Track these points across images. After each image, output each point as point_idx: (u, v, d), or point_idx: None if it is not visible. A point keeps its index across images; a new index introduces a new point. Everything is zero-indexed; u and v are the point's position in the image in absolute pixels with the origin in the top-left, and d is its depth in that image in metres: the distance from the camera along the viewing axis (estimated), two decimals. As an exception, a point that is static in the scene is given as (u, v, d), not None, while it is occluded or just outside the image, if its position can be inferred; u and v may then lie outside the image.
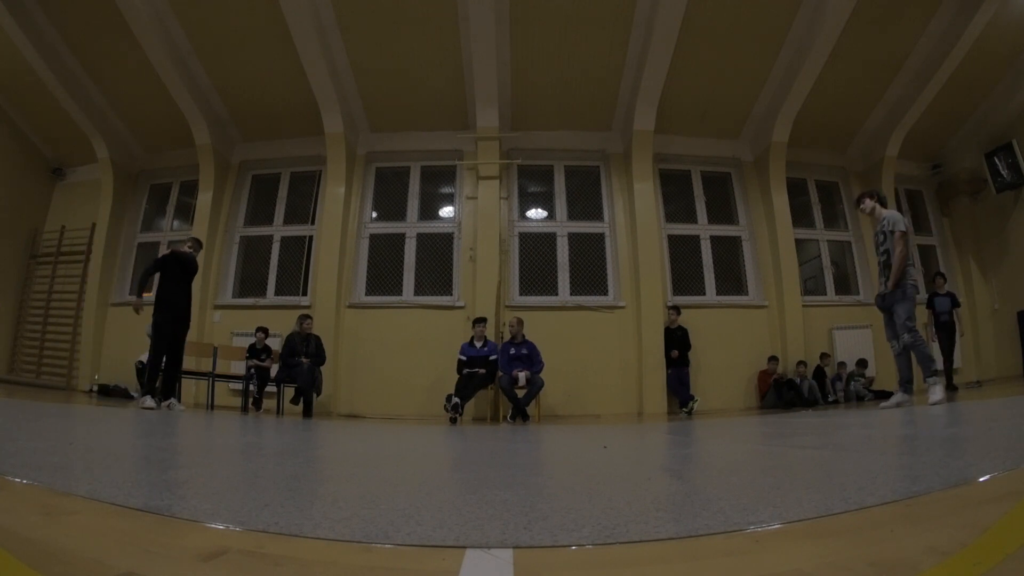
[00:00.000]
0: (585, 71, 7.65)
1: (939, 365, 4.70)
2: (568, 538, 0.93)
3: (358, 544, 0.91)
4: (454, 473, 2.08)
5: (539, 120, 8.31)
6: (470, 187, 8.22)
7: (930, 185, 9.49)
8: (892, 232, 4.42)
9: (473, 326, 6.67)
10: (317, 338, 6.83)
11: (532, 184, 8.70)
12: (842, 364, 7.70)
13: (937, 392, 4.10)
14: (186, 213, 8.75)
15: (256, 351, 6.91)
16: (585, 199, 8.47)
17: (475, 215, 8.00)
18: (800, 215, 8.48)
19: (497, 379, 6.36)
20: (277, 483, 1.60)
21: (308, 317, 6.89)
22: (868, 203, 4.74)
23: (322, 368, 6.73)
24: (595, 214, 8.37)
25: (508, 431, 4.59)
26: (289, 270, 8.26)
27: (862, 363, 7.73)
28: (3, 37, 7.08)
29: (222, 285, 8.22)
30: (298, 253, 8.31)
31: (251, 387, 6.74)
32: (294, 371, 6.46)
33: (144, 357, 6.58)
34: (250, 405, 6.71)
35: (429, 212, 8.50)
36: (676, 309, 7.59)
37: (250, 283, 8.39)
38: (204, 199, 8.20)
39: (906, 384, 4.47)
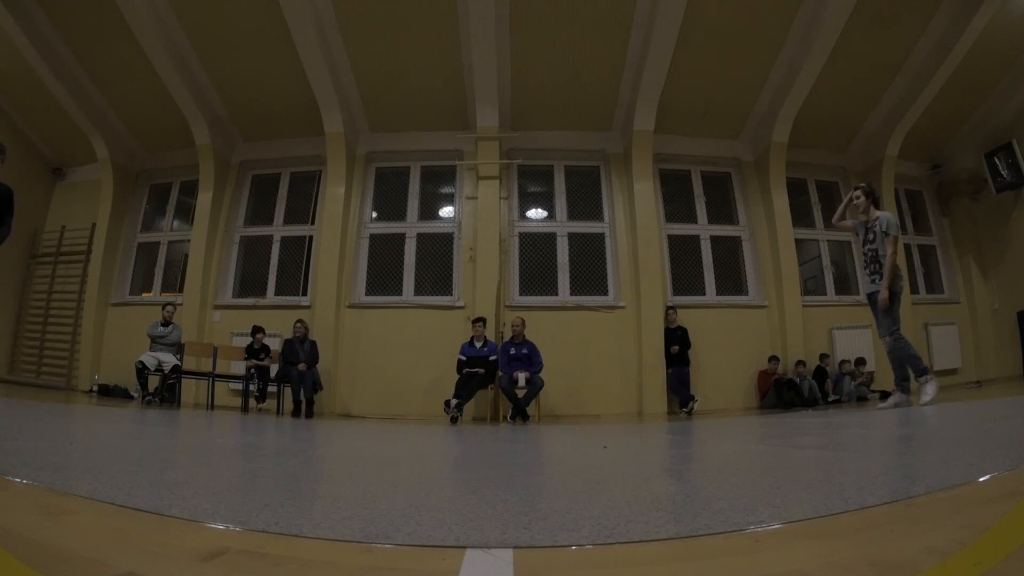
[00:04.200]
0: (585, 71, 7.65)
1: (927, 362, 4.60)
2: (568, 538, 0.93)
3: (358, 544, 0.91)
4: (454, 473, 2.08)
5: (539, 120, 8.30)
6: (470, 187, 8.21)
7: (930, 185, 9.49)
8: (886, 233, 4.39)
9: (473, 326, 6.67)
10: (312, 342, 6.88)
11: (532, 184, 8.69)
12: (845, 362, 7.69)
13: (929, 391, 4.06)
14: (186, 213, 8.75)
15: (254, 351, 6.92)
16: (585, 199, 8.47)
17: (475, 215, 8.00)
18: (800, 215, 8.48)
19: (497, 379, 6.36)
20: (277, 483, 1.60)
21: (299, 321, 6.97)
22: (863, 200, 4.61)
23: (316, 367, 6.76)
24: (595, 214, 8.37)
25: (508, 431, 4.59)
26: (289, 270, 8.26)
27: (860, 362, 7.72)
28: (3, 37, 7.07)
29: (222, 285, 8.21)
30: (298, 253, 8.30)
31: (251, 387, 6.76)
32: (290, 373, 6.52)
33: (144, 357, 6.63)
34: (252, 400, 6.74)
35: (429, 212, 8.50)
36: (674, 309, 7.59)
37: (250, 283, 8.39)
38: (204, 199, 8.20)
39: (902, 383, 4.41)
